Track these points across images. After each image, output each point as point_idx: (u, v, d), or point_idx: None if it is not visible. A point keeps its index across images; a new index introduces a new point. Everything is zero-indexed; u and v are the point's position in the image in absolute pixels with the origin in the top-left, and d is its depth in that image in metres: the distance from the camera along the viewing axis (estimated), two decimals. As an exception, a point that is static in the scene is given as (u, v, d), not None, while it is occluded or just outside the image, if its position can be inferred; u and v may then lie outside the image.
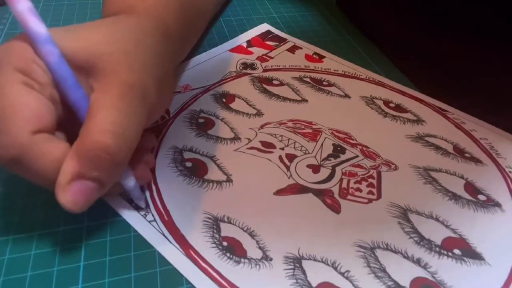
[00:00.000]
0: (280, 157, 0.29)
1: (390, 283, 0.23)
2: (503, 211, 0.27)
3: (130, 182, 0.24)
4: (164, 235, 0.24)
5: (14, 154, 0.20)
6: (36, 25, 0.21)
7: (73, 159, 0.20)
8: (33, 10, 0.21)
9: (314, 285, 0.22)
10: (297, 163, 0.29)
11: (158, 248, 0.24)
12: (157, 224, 0.25)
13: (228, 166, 0.29)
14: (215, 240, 0.24)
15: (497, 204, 0.27)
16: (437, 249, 0.24)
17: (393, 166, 0.29)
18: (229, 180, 0.28)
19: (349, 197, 0.27)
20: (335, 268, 0.23)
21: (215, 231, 0.25)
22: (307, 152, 0.30)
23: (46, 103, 0.21)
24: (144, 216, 0.25)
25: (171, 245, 0.24)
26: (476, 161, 0.30)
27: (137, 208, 0.26)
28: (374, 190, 0.28)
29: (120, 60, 0.22)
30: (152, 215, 0.25)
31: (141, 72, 0.22)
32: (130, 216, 0.25)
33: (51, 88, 0.21)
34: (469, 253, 0.24)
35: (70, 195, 0.20)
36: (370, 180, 0.28)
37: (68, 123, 0.23)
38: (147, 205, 0.26)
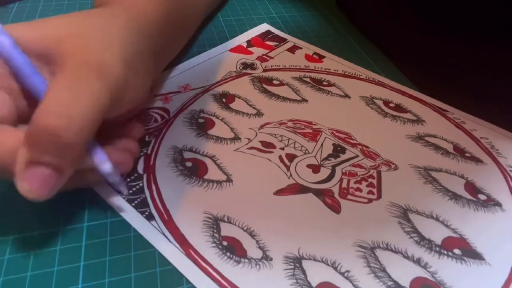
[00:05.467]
0: (280, 157, 0.29)
1: (390, 283, 0.23)
2: (504, 210, 0.27)
3: (106, 167, 0.23)
4: (164, 234, 0.24)
5: None
6: None
7: (24, 146, 0.20)
8: None
9: (314, 285, 0.22)
10: (297, 163, 0.29)
11: (158, 248, 0.24)
12: (157, 223, 0.25)
13: (228, 166, 0.29)
14: (215, 240, 0.24)
15: (498, 204, 0.27)
16: (437, 248, 0.24)
17: (393, 166, 0.29)
18: (229, 180, 0.28)
19: (349, 197, 0.27)
20: (335, 268, 0.23)
21: (215, 230, 0.25)
22: (307, 152, 0.30)
23: (1, 95, 0.21)
24: (144, 215, 0.25)
25: (171, 245, 0.24)
26: (477, 160, 0.30)
27: (120, 193, 0.26)
28: (374, 190, 0.28)
29: (77, 41, 0.21)
30: (152, 214, 0.25)
31: (100, 50, 0.22)
32: (130, 216, 0.25)
33: (8, 79, 0.21)
34: (469, 253, 0.24)
35: (27, 183, 0.20)
36: (370, 180, 0.28)
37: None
38: (138, 193, 0.26)
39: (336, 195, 0.27)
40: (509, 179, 0.29)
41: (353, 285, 0.23)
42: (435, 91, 0.36)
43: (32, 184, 0.20)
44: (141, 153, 0.29)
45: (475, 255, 0.24)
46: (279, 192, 0.27)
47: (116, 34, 0.23)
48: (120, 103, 0.23)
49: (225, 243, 0.24)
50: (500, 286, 0.23)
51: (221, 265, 0.23)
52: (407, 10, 0.43)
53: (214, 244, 0.24)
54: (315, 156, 0.30)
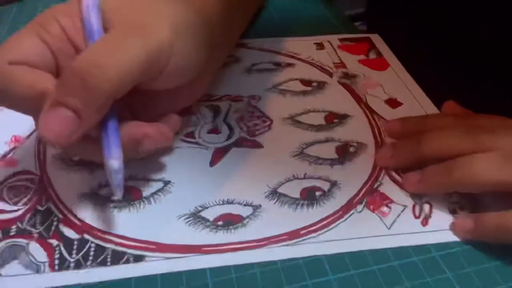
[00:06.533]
0: (183, 139, 0.31)
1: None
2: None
3: (114, 163, 0.22)
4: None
5: None
6: None
7: (54, 87, 0.21)
8: None
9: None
10: (200, 135, 0.31)
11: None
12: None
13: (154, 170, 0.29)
14: None
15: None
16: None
17: (257, 97, 0.35)
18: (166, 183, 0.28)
19: (256, 133, 0.32)
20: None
21: None
22: (196, 124, 0.32)
23: (42, 48, 0.22)
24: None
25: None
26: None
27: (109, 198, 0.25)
28: (265, 118, 0.33)
29: (130, 9, 0.23)
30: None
31: (149, 14, 0.23)
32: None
33: (62, 42, 0.23)
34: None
35: (46, 122, 0.20)
36: (255, 113, 0.33)
37: None
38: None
39: (249, 137, 0.31)
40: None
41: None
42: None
43: (52, 124, 0.20)
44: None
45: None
46: (212, 163, 0.29)
47: (168, 6, 0.24)
48: (163, 70, 0.23)
49: None
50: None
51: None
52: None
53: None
54: (205, 123, 0.32)
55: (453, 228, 0.25)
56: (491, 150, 0.25)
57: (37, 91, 0.21)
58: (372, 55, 0.41)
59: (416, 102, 0.35)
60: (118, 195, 0.23)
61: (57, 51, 0.23)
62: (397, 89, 0.36)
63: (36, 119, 0.22)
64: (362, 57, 0.41)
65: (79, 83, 0.20)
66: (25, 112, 0.23)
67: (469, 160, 0.25)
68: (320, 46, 0.42)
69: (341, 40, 0.42)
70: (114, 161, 0.22)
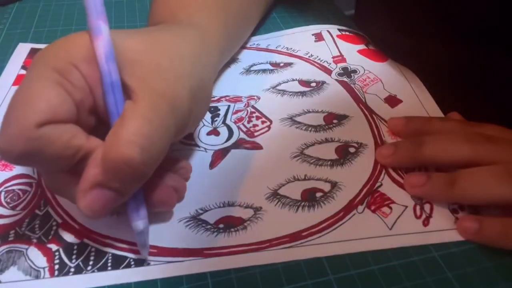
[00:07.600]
0: (182, 142, 0.31)
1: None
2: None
3: (140, 225, 0.22)
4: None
5: (22, 148, 0.19)
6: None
7: (96, 167, 0.20)
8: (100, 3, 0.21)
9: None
10: (198, 137, 0.31)
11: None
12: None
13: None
14: None
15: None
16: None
17: (256, 96, 0.35)
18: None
19: (256, 134, 0.31)
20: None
21: None
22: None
23: (68, 102, 0.20)
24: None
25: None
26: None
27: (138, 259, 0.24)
28: (264, 118, 0.33)
29: (150, 69, 0.21)
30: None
31: (173, 83, 0.22)
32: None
33: (85, 94, 0.21)
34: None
35: (89, 201, 0.20)
36: (254, 114, 0.33)
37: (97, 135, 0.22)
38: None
39: (248, 139, 0.31)
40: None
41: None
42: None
43: (94, 203, 0.20)
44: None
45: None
46: (212, 165, 0.29)
47: (185, 66, 0.23)
48: (179, 136, 0.24)
49: None
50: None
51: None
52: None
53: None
54: (204, 126, 0.32)
55: (457, 228, 0.25)
56: (493, 163, 0.25)
57: (72, 149, 0.20)
58: (371, 47, 0.40)
59: (416, 98, 0.34)
60: (144, 254, 0.24)
61: (79, 102, 0.21)
62: (397, 83, 0.36)
63: (61, 168, 0.21)
64: (361, 46, 0.40)
65: (127, 170, 0.20)
66: (54, 169, 0.21)
67: (472, 174, 0.25)
68: (318, 37, 0.41)
69: (340, 30, 0.42)
70: (140, 222, 0.22)
